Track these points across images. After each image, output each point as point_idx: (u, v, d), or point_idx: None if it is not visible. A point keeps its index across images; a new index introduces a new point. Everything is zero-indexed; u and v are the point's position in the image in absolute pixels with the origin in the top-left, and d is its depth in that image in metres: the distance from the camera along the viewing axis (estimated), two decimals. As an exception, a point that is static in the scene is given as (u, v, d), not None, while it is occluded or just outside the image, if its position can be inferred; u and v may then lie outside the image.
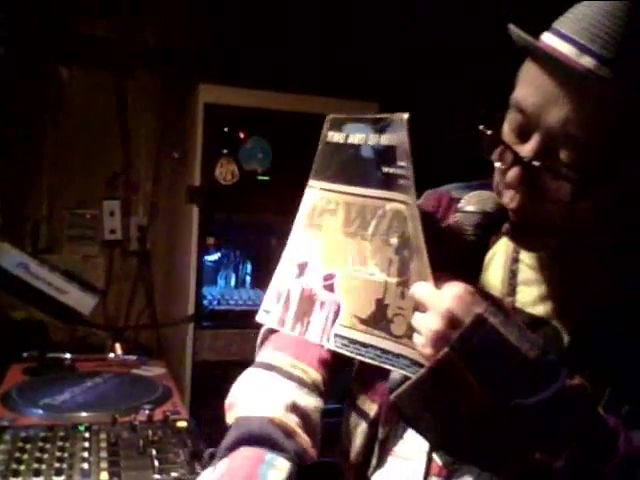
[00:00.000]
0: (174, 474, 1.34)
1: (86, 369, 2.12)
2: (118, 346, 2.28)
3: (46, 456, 1.39)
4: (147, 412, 1.65)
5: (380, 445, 0.90)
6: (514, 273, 0.85)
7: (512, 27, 0.73)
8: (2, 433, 1.49)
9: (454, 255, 0.84)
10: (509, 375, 0.65)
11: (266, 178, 2.48)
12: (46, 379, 1.98)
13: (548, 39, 0.73)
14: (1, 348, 2.21)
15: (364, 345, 0.78)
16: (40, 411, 1.67)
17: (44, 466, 1.35)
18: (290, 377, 0.88)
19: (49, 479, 1.31)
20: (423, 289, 0.71)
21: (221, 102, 2.38)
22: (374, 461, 0.91)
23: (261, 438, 0.80)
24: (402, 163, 0.77)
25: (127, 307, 2.68)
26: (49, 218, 2.59)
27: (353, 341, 0.79)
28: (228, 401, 0.91)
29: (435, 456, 0.83)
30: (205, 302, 2.49)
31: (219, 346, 2.42)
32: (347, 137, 0.85)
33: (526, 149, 0.73)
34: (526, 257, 0.85)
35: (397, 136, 0.77)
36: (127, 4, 2.56)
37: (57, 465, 1.35)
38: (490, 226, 0.82)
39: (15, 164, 2.49)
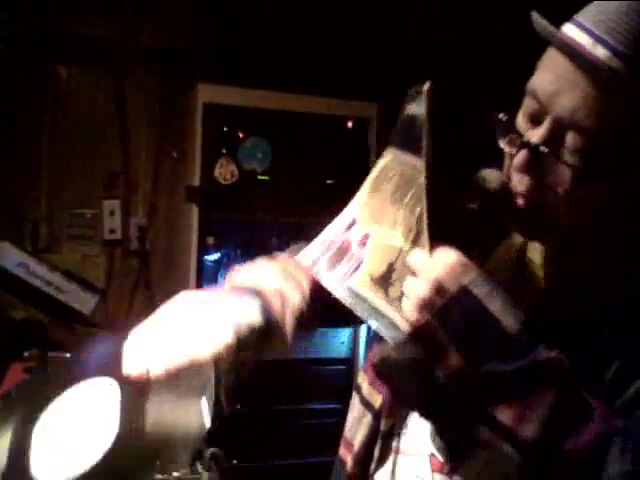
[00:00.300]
0: (175, 473, 1.35)
1: (86, 369, 2.13)
2: (118, 346, 2.28)
3: (47, 455, 1.40)
4: (148, 411, 1.65)
5: (383, 438, 0.91)
6: (522, 268, 0.87)
7: (535, 16, 0.74)
8: (3, 433, 1.49)
9: (454, 226, 0.84)
10: (487, 345, 0.66)
11: (265, 178, 2.48)
12: (47, 379, 1.99)
13: (568, 29, 0.74)
14: (1, 347, 2.21)
15: (364, 300, 0.81)
16: (41, 411, 1.68)
17: (45, 465, 1.35)
18: (284, 273, 0.89)
19: (50, 478, 1.31)
20: (417, 255, 0.74)
21: (220, 102, 2.38)
22: (377, 454, 0.91)
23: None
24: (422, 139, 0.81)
25: (127, 306, 2.68)
26: (49, 218, 2.59)
27: (357, 295, 0.82)
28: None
29: (437, 452, 0.83)
30: (205, 302, 2.49)
31: (219, 345, 2.42)
32: (410, 108, 0.88)
33: (536, 134, 0.75)
34: (533, 253, 0.86)
35: (416, 106, 0.83)
36: (126, 4, 2.56)
37: (58, 464, 1.35)
38: (492, 203, 0.82)
39: (15, 164, 2.49)
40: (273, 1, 2.52)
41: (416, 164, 0.84)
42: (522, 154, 0.75)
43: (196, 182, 2.41)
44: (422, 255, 0.73)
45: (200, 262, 2.45)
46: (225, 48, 2.54)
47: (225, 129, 2.41)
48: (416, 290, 0.71)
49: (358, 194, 0.94)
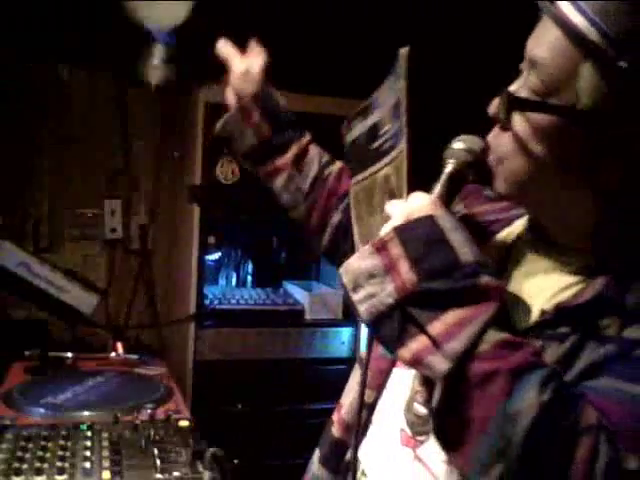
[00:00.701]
0: (176, 473, 1.35)
1: (88, 368, 2.13)
2: (119, 345, 2.29)
3: (48, 455, 1.40)
4: (149, 411, 1.65)
5: (368, 410, 0.94)
6: (509, 251, 0.91)
7: None
8: (4, 432, 1.49)
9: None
10: (438, 266, 0.71)
11: (267, 177, 2.48)
12: (48, 378, 1.99)
13: (564, 6, 0.75)
14: (3, 347, 2.22)
15: None
16: (42, 410, 1.68)
17: (46, 465, 1.35)
18: None
19: (51, 478, 1.31)
20: (392, 203, 0.80)
21: (222, 101, 2.37)
22: (362, 423, 0.94)
23: None
24: (386, 127, 0.87)
25: (128, 306, 2.68)
26: (50, 217, 2.59)
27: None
28: None
29: (406, 427, 0.87)
30: (206, 301, 2.49)
31: (220, 345, 2.42)
32: (353, 133, 0.97)
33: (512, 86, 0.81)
34: (527, 243, 0.89)
35: (380, 110, 0.89)
36: (126, 3, 2.56)
37: (59, 464, 1.35)
38: (469, 164, 0.85)
39: (16, 163, 2.50)
40: (274, 1, 2.52)
41: (372, 171, 0.91)
42: (494, 102, 0.81)
43: (197, 181, 2.40)
44: (397, 202, 0.80)
45: (201, 261, 2.44)
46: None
47: (226, 128, 2.40)
48: (390, 223, 0.76)
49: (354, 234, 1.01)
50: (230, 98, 1.27)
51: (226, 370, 2.41)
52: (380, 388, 0.94)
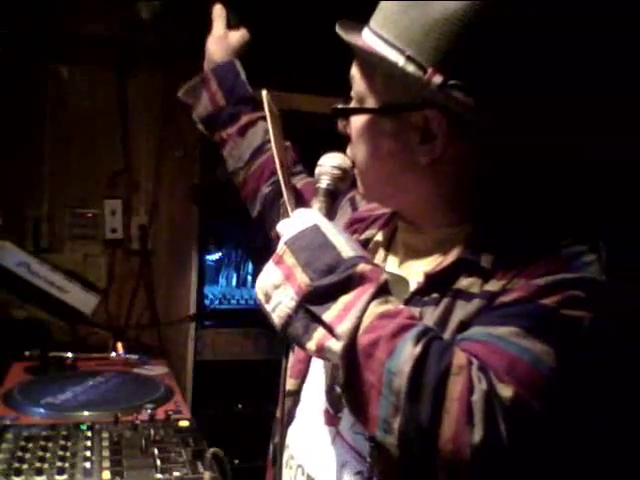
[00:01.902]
0: (176, 473, 1.35)
1: (88, 368, 2.13)
2: (120, 345, 2.28)
3: (48, 455, 1.40)
4: (149, 411, 1.65)
5: (290, 397, 1.04)
6: (389, 247, 1.04)
7: (338, 28, 0.94)
8: (4, 432, 1.49)
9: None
10: (324, 266, 0.82)
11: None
12: (48, 378, 1.99)
13: (365, 35, 0.94)
14: (3, 347, 2.21)
15: None
16: (42, 410, 1.68)
17: (46, 465, 1.35)
18: None
19: (51, 478, 1.31)
20: (281, 223, 0.91)
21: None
22: (287, 411, 1.05)
23: None
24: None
25: (128, 306, 2.68)
26: (50, 217, 2.58)
27: None
28: None
29: (329, 407, 0.97)
30: (207, 301, 2.50)
31: (221, 345, 2.42)
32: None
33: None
34: (400, 232, 1.03)
35: None
36: (127, 2, 2.56)
37: (59, 464, 1.35)
38: (340, 178, 1.00)
39: (16, 163, 2.49)
40: (274, 1, 2.52)
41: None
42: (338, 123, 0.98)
43: (198, 181, 2.40)
44: (284, 220, 0.92)
45: (201, 261, 2.44)
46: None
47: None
48: (282, 240, 0.87)
49: None
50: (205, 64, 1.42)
51: (226, 370, 2.41)
52: (303, 376, 1.05)
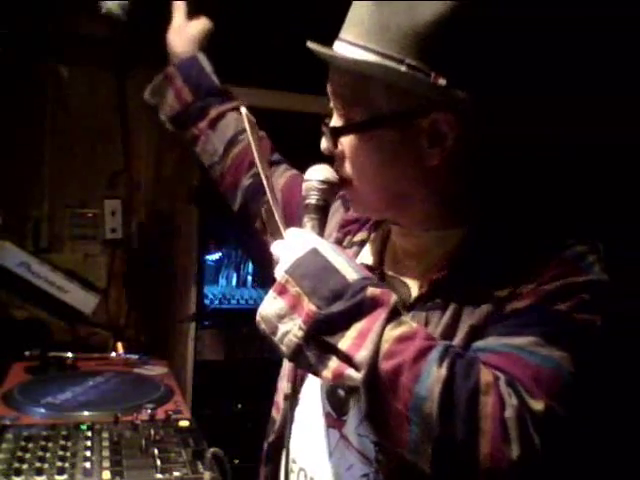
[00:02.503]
0: (176, 473, 1.35)
1: (88, 368, 2.13)
2: (120, 345, 2.28)
3: (48, 455, 1.40)
4: (149, 411, 1.65)
5: (287, 400, 1.05)
6: (384, 248, 1.03)
7: (312, 46, 0.93)
8: (4, 432, 1.49)
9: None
10: (330, 293, 0.80)
11: (267, 177, 2.47)
12: (48, 378, 1.99)
13: (336, 46, 0.93)
14: (3, 347, 2.21)
15: None
16: (42, 410, 1.68)
17: (46, 465, 1.35)
18: None
19: (51, 478, 1.31)
20: (275, 245, 0.90)
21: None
22: (282, 414, 1.07)
23: None
24: None
25: (128, 306, 2.68)
26: (50, 217, 2.58)
27: None
28: None
29: (331, 410, 0.98)
30: (206, 301, 2.49)
31: (221, 345, 2.42)
32: None
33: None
34: (394, 235, 1.02)
35: None
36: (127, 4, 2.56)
37: (59, 464, 1.35)
38: (328, 191, 0.97)
39: (16, 163, 2.49)
40: (276, 1, 2.52)
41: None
42: (323, 141, 0.95)
43: (197, 182, 2.40)
44: (279, 242, 0.90)
45: (201, 261, 2.44)
46: (226, 48, 2.53)
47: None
48: (281, 267, 0.86)
49: None
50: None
51: (226, 370, 2.41)
52: (301, 379, 1.05)
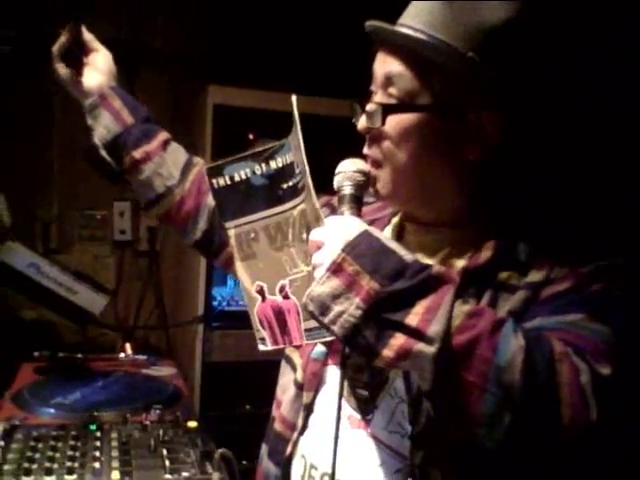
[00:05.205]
0: (185, 474, 1.35)
1: (97, 369, 2.14)
2: (128, 346, 2.29)
3: (58, 455, 1.40)
4: (158, 412, 1.66)
5: (305, 410, 1.04)
6: (400, 236, 1.05)
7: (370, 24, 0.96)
8: (14, 432, 1.50)
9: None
10: (392, 269, 0.79)
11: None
12: (57, 379, 2.00)
13: (406, 29, 0.94)
14: (12, 348, 2.22)
15: (317, 329, 0.94)
16: (52, 410, 1.69)
17: (56, 465, 1.36)
18: None
19: (61, 478, 1.32)
20: (316, 231, 0.87)
21: (230, 103, 2.38)
22: (300, 423, 1.05)
23: None
24: (297, 170, 0.96)
25: (137, 307, 2.69)
26: (60, 219, 2.60)
27: (311, 329, 0.98)
28: None
29: (353, 412, 0.97)
30: (215, 303, 2.50)
31: (229, 347, 2.42)
32: (232, 177, 1.01)
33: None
34: (408, 233, 1.04)
35: (288, 155, 0.99)
36: (135, 4, 2.57)
37: (69, 464, 1.36)
38: (363, 182, 0.97)
39: (26, 165, 2.51)
40: (284, 3, 2.53)
41: (279, 210, 0.98)
42: (361, 121, 0.98)
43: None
44: (319, 229, 0.87)
45: (210, 263, 2.44)
46: (236, 50, 2.54)
47: (236, 131, 2.40)
48: (326, 253, 0.83)
49: (238, 274, 1.05)
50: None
51: (234, 371, 2.41)
52: (316, 389, 1.04)
